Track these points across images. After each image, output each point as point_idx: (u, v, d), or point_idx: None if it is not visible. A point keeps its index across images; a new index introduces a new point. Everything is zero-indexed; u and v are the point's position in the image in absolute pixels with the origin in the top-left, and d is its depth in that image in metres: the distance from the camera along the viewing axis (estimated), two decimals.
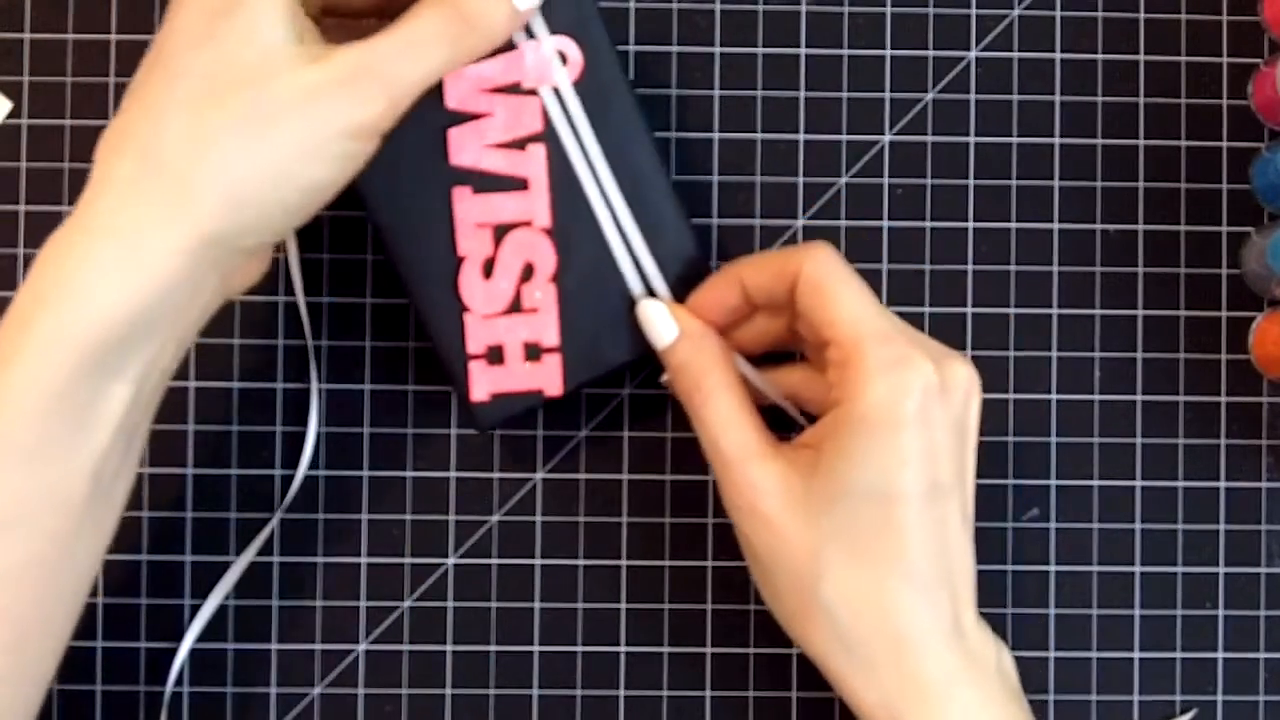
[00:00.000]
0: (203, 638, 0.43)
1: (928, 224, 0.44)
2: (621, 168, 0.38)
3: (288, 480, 0.43)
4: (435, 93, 0.36)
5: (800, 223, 0.44)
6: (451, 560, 0.43)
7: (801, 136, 0.44)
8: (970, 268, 0.44)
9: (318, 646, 0.43)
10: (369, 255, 0.44)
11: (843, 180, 0.44)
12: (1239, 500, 0.44)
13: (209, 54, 0.33)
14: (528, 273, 0.38)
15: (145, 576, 0.43)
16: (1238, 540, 0.44)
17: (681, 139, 0.44)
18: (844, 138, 0.44)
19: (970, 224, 0.44)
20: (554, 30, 0.37)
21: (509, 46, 0.37)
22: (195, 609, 0.43)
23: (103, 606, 0.43)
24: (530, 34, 0.37)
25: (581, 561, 0.44)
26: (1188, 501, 0.44)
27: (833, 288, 0.36)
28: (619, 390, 0.44)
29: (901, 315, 0.44)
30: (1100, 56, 0.44)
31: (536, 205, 0.38)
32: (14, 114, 0.44)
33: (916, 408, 0.34)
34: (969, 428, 0.36)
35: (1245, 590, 0.44)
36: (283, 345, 0.44)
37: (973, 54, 0.44)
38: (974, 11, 0.44)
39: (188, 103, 0.33)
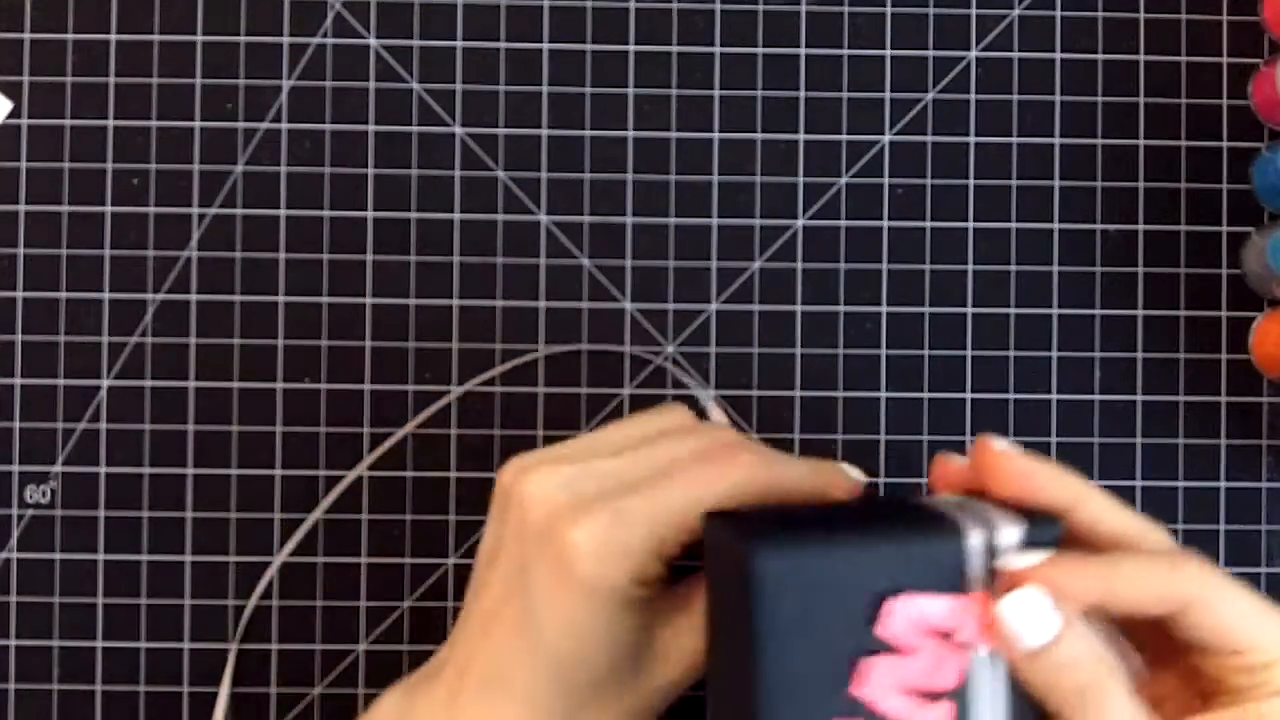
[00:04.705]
0: (201, 638, 0.43)
1: (928, 224, 0.44)
2: None
3: (287, 480, 0.43)
4: (867, 615, 0.31)
5: (800, 223, 0.44)
6: (451, 560, 0.43)
7: (801, 136, 0.44)
8: (970, 268, 0.44)
9: (318, 646, 0.43)
10: (369, 255, 0.44)
11: (843, 180, 0.44)
12: (1239, 500, 0.44)
13: (576, 654, 0.33)
14: None
15: (145, 577, 0.43)
16: (1238, 540, 0.44)
17: (681, 139, 0.44)
18: (844, 138, 0.44)
19: (970, 224, 0.44)
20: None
21: (959, 585, 0.31)
22: (195, 609, 0.43)
23: (102, 606, 0.43)
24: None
25: None
26: (1188, 501, 0.44)
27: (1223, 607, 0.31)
28: (619, 390, 0.44)
29: (901, 315, 0.44)
30: (1100, 56, 0.44)
31: None
32: (14, 114, 0.44)
33: None
34: None
35: None
36: (283, 345, 0.44)
37: (973, 54, 0.44)
38: (974, 11, 0.44)
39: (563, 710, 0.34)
